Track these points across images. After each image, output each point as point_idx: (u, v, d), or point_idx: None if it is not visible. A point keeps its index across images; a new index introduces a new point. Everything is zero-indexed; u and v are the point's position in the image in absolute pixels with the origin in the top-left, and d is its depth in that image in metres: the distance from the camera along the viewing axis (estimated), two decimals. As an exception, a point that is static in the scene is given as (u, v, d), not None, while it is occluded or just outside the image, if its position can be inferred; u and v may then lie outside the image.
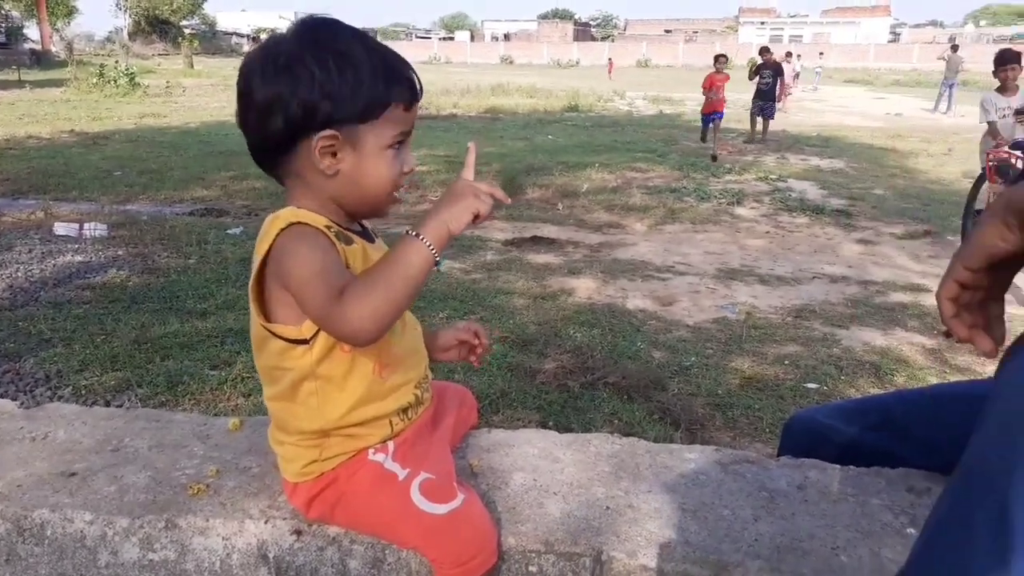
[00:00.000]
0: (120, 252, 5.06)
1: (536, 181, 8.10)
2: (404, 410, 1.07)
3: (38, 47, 33.73)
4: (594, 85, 26.66)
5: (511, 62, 57.82)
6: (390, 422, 1.05)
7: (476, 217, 0.93)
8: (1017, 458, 0.62)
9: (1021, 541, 0.60)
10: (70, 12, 43.00)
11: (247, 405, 2.91)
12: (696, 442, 2.84)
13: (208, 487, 1.15)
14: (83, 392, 3.01)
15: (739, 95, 14.97)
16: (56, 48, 34.48)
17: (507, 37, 77.76)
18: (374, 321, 0.87)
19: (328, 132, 0.94)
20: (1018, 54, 6.12)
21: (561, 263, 5.25)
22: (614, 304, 4.37)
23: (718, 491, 1.17)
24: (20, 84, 20.06)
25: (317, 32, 0.97)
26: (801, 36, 67.86)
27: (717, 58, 11.44)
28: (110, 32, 60.18)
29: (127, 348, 3.41)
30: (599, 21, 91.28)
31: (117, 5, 49.23)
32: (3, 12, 33.88)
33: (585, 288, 4.67)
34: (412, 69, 1.00)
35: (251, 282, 0.97)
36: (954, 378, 3.50)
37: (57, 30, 38.47)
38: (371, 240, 1.06)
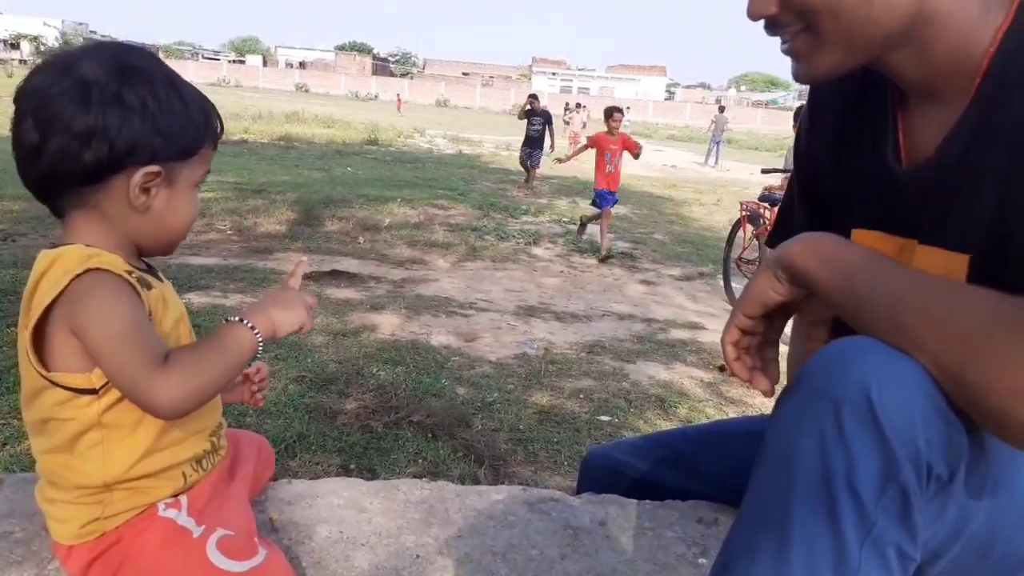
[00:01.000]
0: None
1: (335, 213, 7.93)
2: (198, 460, 0.98)
3: None
4: (394, 120, 26.78)
5: (307, 90, 56.61)
6: (183, 473, 0.96)
7: (300, 329, 0.97)
8: (792, 495, 0.69)
9: (797, 564, 0.67)
10: None
11: (1, 457, 2.54)
12: (500, 478, 2.88)
13: (-45, 562, 0.98)
14: None
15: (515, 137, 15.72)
16: None
17: (303, 65, 76.19)
18: (195, 400, 0.85)
19: (153, 168, 0.89)
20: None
21: (363, 298, 5.15)
22: (418, 340, 4.35)
23: (526, 531, 1.18)
24: None
25: (133, 61, 0.89)
26: (589, 88, 72.93)
27: (610, 113, 8.01)
28: None
29: None
30: (398, 57, 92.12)
31: None
32: None
33: (388, 324, 4.61)
34: (215, 110, 0.98)
35: (28, 329, 0.85)
36: (729, 409, 3.85)
37: None
38: (160, 279, 0.98)
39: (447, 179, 12.15)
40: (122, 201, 0.89)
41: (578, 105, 22.49)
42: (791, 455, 0.70)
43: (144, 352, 0.83)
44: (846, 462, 0.66)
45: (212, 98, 1.01)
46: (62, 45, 37.14)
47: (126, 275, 0.87)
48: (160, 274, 1.00)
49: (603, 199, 7.75)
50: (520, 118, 12.42)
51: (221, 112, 1.00)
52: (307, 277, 5.50)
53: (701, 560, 1.15)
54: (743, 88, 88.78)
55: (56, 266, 0.85)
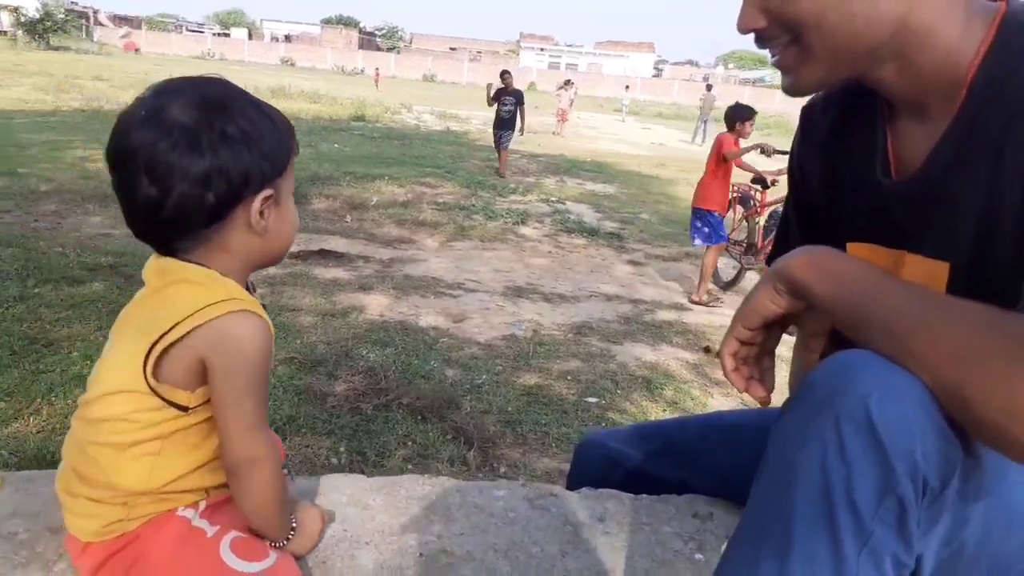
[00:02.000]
0: None
1: (322, 191, 7.88)
2: (225, 484, 0.99)
3: None
4: (380, 95, 26.51)
5: (292, 64, 55.87)
6: (207, 491, 0.97)
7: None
8: (792, 506, 0.70)
9: (797, 574, 0.69)
10: None
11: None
12: (489, 459, 2.91)
13: (-41, 562, 0.98)
14: None
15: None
16: None
17: (288, 38, 75.11)
18: (272, 488, 0.96)
19: (268, 192, 0.91)
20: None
21: (351, 278, 5.14)
22: (407, 322, 4.35)
23: (527, 528, 1.20)
24: None
25: (215, 93, 0.90)
26: (577, 65, 72.45)
27: (740, 111, 5.65)
28: None
29: None
30: (384, 31, 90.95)
31: None
32: None
33: (377, 305, 4.61)
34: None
35: (152, 343, 0.87)
36: (714, 390, 3.90)
37: None
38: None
39: (435, 157, 12.08)
40: (242, 230, 0.91)
41: (567, 82, 22.34)
42: (792, 467, 0.72)
43: (264, 420, 0.93)
44: (846, 475, 0.68)
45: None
46: (42, 17, 36.36)
47: (267, 318, 0.93)
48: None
49: (719, 227, 5.66)
50: (490, 104, 11.26)
51: None
52: (294, 256, 5.47)
53: (698, 556, 1.17)
54: (731, 66, 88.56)
55: (190, 288, 0.89)
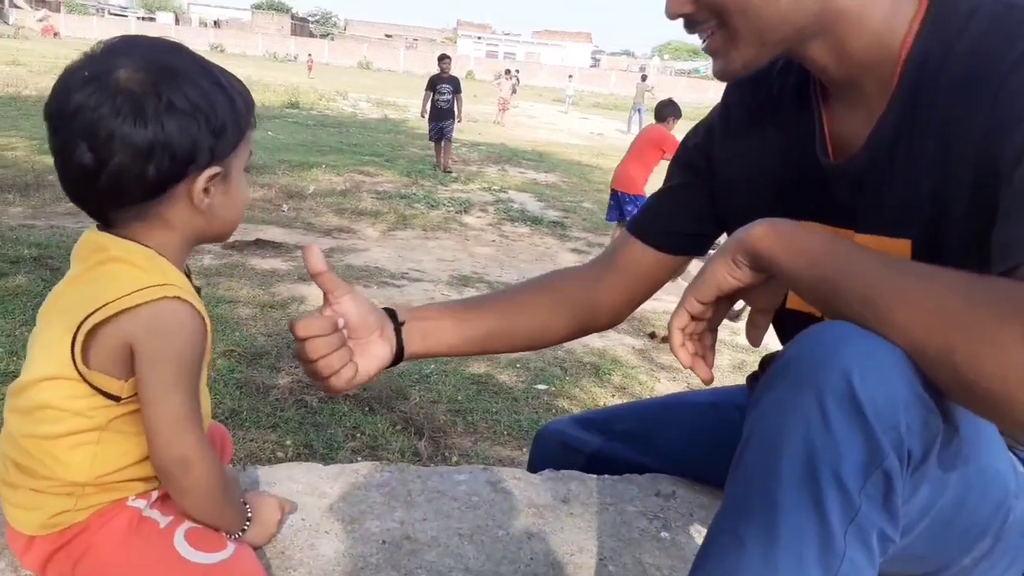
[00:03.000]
0: None
1: (257, 180, 7.67)
2: None
3: None
4: (314, 83, 25.98)
5: (222, 51, 54.20)
6: (157, 478, 0.90)
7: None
8: (777, 484, 0.69)
9: (784, 557, 0.67)
10: None
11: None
12: (440, 449, 2.88)
13: None
14: None
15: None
16: None
17: (217, 24, 72.98)
18: (209, 485, 0.88)
19: (215, 170, 0.85)
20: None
21: (290, 269, 5.01)
22: (350, 312, 4.27)
23: (491, 512, 1.18)
24: None
25: (168, 60, 0.83)
26: (515, 54, 72.43)
27: (673, 109, 6.28)
28: None
29: None
30: (318, 18, 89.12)
31: None
32: None
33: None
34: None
35: (79, 327, 0.80)
36: (660, 375, 3.94)
37: None
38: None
39: (373, 145, 11.91)
40: (184, 206, 0.85)
41: (507, 71, 22.32)
42: (776, 445, 0.70)
43: (196, 416, 0.86)
44: (831, 451, 0.66)
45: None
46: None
47: (201, 308, 0.86)
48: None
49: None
50: (426, 100, 10.31)
51: None
52: (229, 247, 5.31)
53: (664, 534, 1.16)
54: (666, 56, 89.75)
55: (125, 267, 0.83)
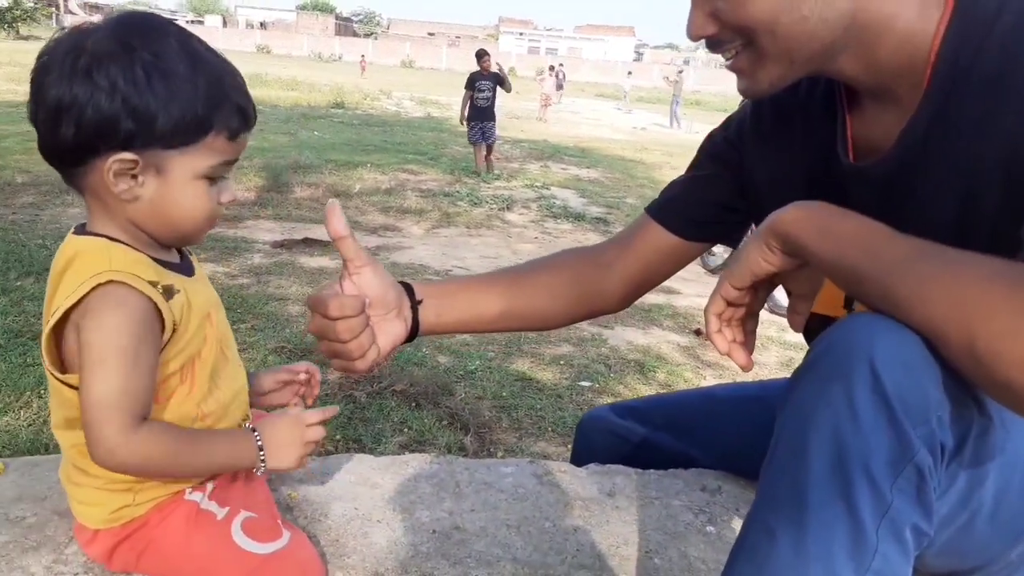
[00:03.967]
0: None
1: (304, 179, 7.81)
2: None
3: None
4: (359, 82, 26.28)
5: (268, 52, 55.23)
6: None
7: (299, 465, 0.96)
8: (808, 479, 0.69)
9: (815, 551, 0.68)
10: None
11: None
12: (486, 445, 2.91)
13: (-31, 548, 0.96)
14: None
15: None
16: None
17: (263, 25, 74.28)
18: (136, 472, 0.85)
19: (124, 155, 0.80)
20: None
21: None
22: (395, 309, 4.33)
23: (537, 504, 1.20)
24: None
25: (132, 30, 0.81)
26: (557, 49, 72.21)
27: None
28: None
29: None
30: (361, 17, 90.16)
31: None
32: None
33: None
34: (243, 91, 0.87)
35: (46, 330, 0.83)
36: (707, 372, 3.92)
37: None
38: (190, 272, 0.94)
39: (417, 143, 12.01)
40: (108, 189, 0.83)
41: (551, 67, 22.28)
42: (805, 439, 0.70)
43: (124, 400, 0.80)
44: (861, 445, 0.67)
45: None
46: (10, 5, 35.60)
47: (149, 289, 0.83)
48: (193, 262, 0.96)
49: None
50: (465, 101, 9.48)
51: None
52: (278, 245, 5.43)
53: (709, 528, 1.18)
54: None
55: (77, 265, 0.82)
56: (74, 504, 0.94)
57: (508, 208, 7.79)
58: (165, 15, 0.97)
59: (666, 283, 4.78)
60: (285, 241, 5.55)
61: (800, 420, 0.72)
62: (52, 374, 0.85)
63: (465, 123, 9.38)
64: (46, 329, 0.83)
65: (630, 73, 32.85)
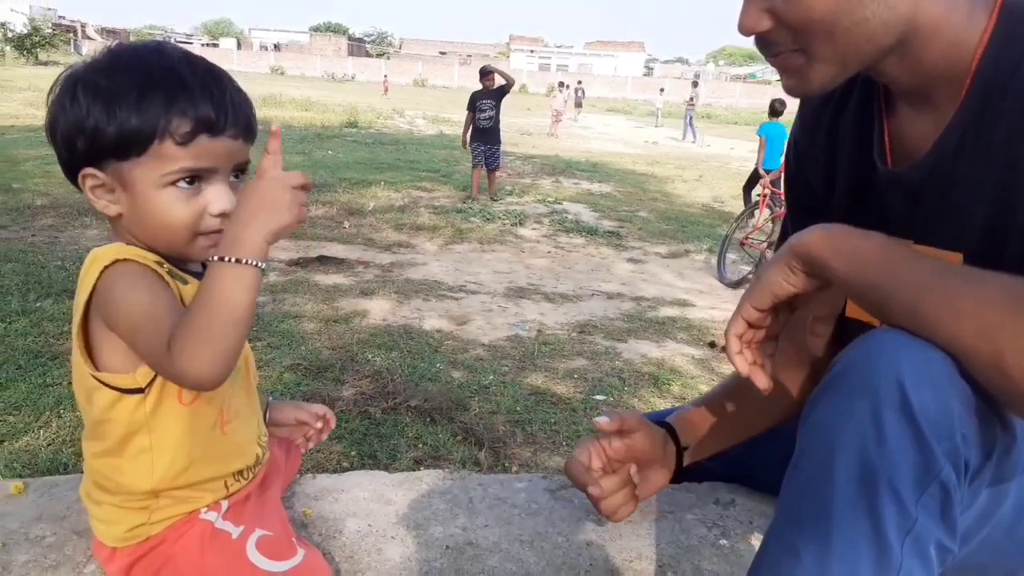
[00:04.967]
0: None
1: (319, 198, 7.88)
2: (241, 471, 0.99)
3: None
4: (372, 101, 26.49)
5: (282, 73, 55.80)
6: (226, 483, 0.96)
7: (298, 224, 0.83)
8: (832, 495, 0.69)
9: (839, 569, 0.67)
10: None
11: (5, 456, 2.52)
12: (500, 459, 2.91)
13: (-11, 566, 0.98)
14: None
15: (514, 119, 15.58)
16: None
17: (277, 47, 75.10)
18: (211, 366, 0.78)
19: (87, 170, 0.86)
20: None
21: (352, 284, 5.14)
22: (410, 325, 4.35)
23: (550, 519, 1.20)
24: None
25: (96, 59, 0.88)
26: (567, 66, 72.51)
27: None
28: None
29: None
30: (374, 38, 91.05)
31: None
32: None
33: (379, 309, 4.60)
34: (193, 95, 0.84)
35: (75, 328, 0.86)
36: (719, 385, 3.90)
37: None
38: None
39: (429, 161, 12.08)
40: (100, 204, 0.88)
41: (561, 84, 22.37)
42: (830, 455, 0.70)
43: (161, 335, 0.79)
44: (886, 462, 0.66)
45: None
46: (30, 32, 36.26)
47: (154, 265, 0.86)
48: None
49: None
50: (467, 123, 8.93)
51: None
52: (294, 263, 5.47)
53: (723, 541, 1.17)
54: (721, 62, 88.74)
55: (91, 263, 0.86)
56: (93, 522, 0.95)
57: (520, 223, 7.81)
58: (180, 39, 1.01)
59: (680, 295, 4.79)
60: (300, 259, 5.60)
61: (824, 437, 0.72)
62: (90, 373, 0.87)
63: (468, 146, 8.94)
64: (76, 327, 0.86)
65: (662, 90, 31.74)
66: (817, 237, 0.81)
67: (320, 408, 1.22)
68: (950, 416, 0.67)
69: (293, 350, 3.78)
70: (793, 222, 1.11)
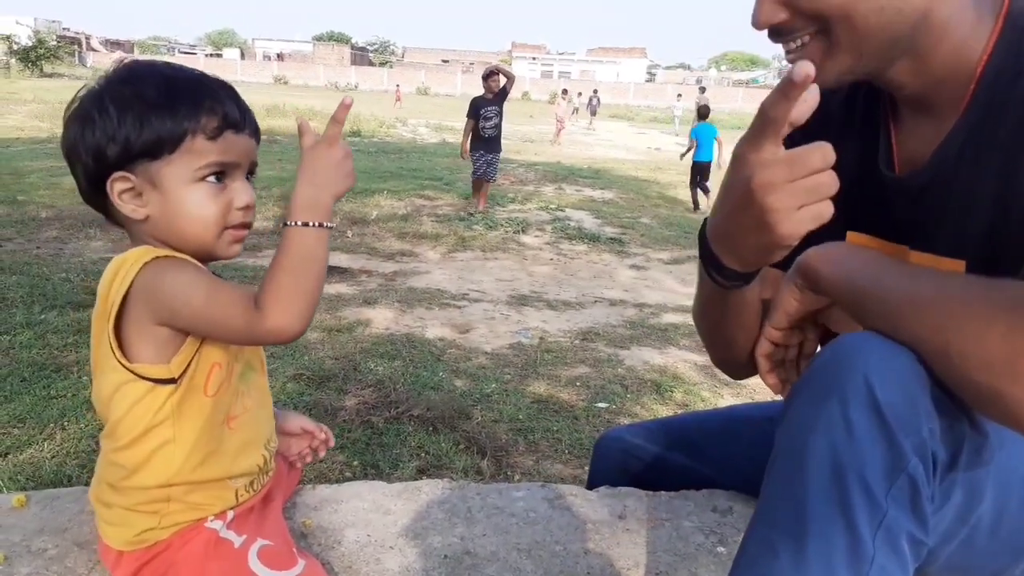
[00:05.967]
0: None
1: (323, 208, 7.89)
2: (251, 480, 1.01)
3: None
4: (375, 110, 26.58)
5: (286, 82, 56.06)
6: (236, 493, 0.98)
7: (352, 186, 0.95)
8: (805, 492, 0.71)
9: (815, 563, 0.69)
10: None
11: (3, 467, 2.54)
12: (503, 468, 2.91)
13: (-9, 580, 0.99)
14: None
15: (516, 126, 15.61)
16: None
17: (280, 57, 75.43)
18: (302, 318, 0.86)
19: (117, 174, 0.89)
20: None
21: (355, 293, 5.15)
22: (413, 334, 4.36)
23: (548, 527, 1.21)
24: None
25: (112, 75, 0.93)
26: (570, 72, 72.71)
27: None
28: None
29: None
30: (377, 46, 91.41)
31: None
32: None
33: (382, 318, 4.62)
34: (217, 95, 0.92)
35: (101, 328, 0.89)
36: (724, 391, 3.90)
37: None
38: None
39: (432, 169, 12.11)
40: (127, 211, 0.91)
41: (564, 91, 22.46)
42: (803, 453, 0.72)
43: (238, 299, 0.86)
44: (856, 457, 0.69)
45: None
46: (34, 44, 36.49)
47: (190, 258, 0.91)
48: None
49: None
50: (468, 131, 8.45)
51: None
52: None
53: (720, 549, 1.18)
54: (723, 68, 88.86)
55: (125, 263, 0.89)
56: (102, 525, 0.97)
57: (523, 231, 7.83)
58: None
59: (683, 302, 4.79)
60: (303, 269, 5.61)
61: (797, 435, 0.74)
62: (124, 365, 0.89)
63: (468, 155, 8.50)
64: (110, 322, 0.88)
65: (680, 96, 31.20)
66: (815, 253, 0.85)
67: (321, 425, 1.26)
68: (916, 411, 0.69)
69: (296, 360, 3.79)
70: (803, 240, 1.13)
